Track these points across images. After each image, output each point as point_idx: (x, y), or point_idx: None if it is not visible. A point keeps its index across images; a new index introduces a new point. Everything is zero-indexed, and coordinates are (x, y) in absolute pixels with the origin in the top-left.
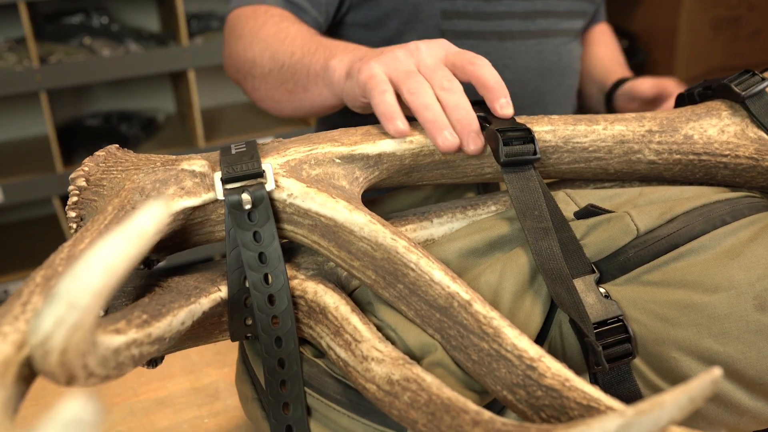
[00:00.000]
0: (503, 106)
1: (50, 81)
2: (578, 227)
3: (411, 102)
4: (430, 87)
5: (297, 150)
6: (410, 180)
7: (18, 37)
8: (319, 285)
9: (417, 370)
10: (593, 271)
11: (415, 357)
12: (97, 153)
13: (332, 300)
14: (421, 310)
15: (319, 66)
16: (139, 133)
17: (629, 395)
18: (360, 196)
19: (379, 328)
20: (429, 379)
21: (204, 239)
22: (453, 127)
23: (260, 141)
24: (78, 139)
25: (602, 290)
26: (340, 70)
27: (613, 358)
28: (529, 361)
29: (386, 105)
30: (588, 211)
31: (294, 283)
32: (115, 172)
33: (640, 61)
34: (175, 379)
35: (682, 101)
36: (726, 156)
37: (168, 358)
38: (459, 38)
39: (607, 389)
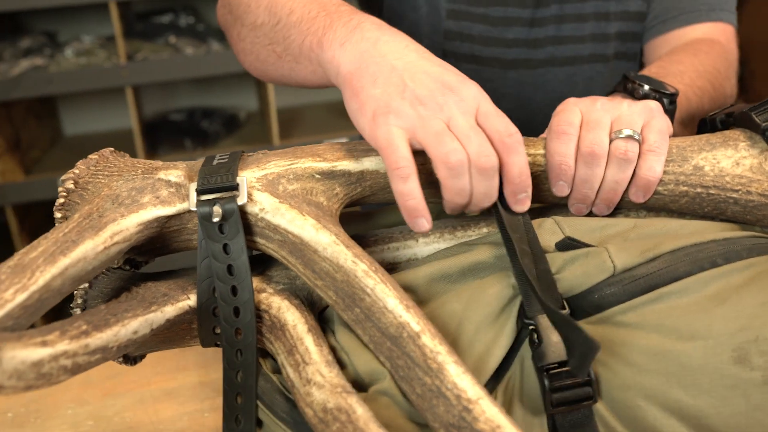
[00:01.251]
0: (520, 201)
1: (136, 77)
2: (555, 260)
3: (444, 180)
4: (467, 160)
5: (277, 164)
6: (391, 199)
7: (109, 34)
8: (284, 301)
9: (351, 401)
10: (563, 308)
11: (364, 383)
12: (91, 156)
13: (292, 318)
14: (374, 336)
15: (315, 40)
16: (219, 129)
17: None
18: (338, 213)
19: (335, 350)
20: (360, 411)
21: (183, 246)
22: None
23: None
24: (162, 133)
25: None
26: (339, 66)
27: (572, 400)
28: (466, 402)
29: (410, 198)
30: (567, 244)
31: (262, 296)
32: (101, 177)
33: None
34: (186, 372)
35: (704, 127)
36: (737, 191)
37: (183, 351)
38: (459, 61)
39: (566, 429)
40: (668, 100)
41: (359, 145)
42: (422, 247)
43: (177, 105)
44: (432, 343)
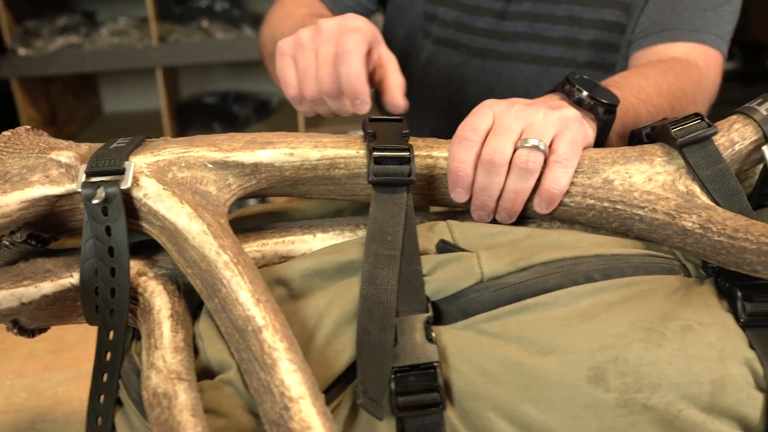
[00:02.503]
0: (356, 106)
1: (167, 59)
2: (428, 262)
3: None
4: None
5: (172, 151)
6: (297, 192)
7: (144, 16)
8: (158, 285)
9: (180, 388)
10: (426, 311)
11: (214, 372)
12: (4, 132)
13: (159, 302)
14: (227, 327)
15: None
16: (250, 114)
17: None
18: (229, 203)
19: (196, 338)
20: (182, 398)
21: (78, 225)
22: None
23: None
24: (194, 115)
25: (432, 332)
26: None
27: (419, 405)
28: (287, 400)
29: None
30: (441, 247)
31: (141, 279)
32: (4, 154)
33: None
34: None
35: (632, 140)
36: (643, 208)
37: None
38: (436, 43)
39: None
40: (604, 109)
41: (259, 137)
42: (318, 243)
43: (212, 88)
44: (272, 339)
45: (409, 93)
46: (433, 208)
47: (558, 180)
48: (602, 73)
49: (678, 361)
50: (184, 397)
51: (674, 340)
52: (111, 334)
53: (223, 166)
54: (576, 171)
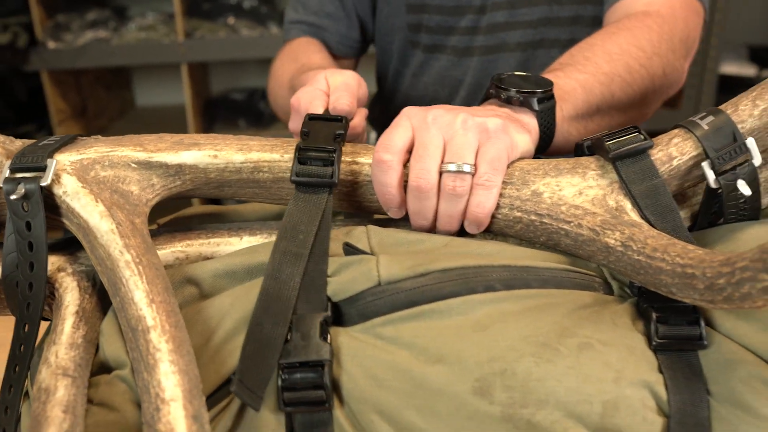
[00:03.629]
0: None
1: (192, 54)
2: (333, 263)
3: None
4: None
5: (98, 150)
6: (224, 194)
7: (172, 12)
8: (73, 281)
9: (61, 384)
10: (326, 310)
11: (111, 368)
12: None
13: (69, 298)
14: (125, 325)
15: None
16: None
17: None
18: (151, 204)
19: (100, 334)
20: (60, 394)
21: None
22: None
23: None
24: (221, 111)
25: (329, 332)
26: None
27: (306, 402)
28: (159, 402)
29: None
30: (346, 250)
31: (60, 275)
32: None
33: None
34: None
35: (578, 151)
36: (569, 223)
37: None
38: (423, 51)
39: (302, 430)
40: (537, 99)
41: (187, 139)
42: (244, 245)
43: (241, 85)
44: (158, 339)
45: (402, 106)
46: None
47: (482, 204)
48: None
49: (569, 379)
50: (62, 393)
51: (568, 357)
52: (26, 327)
53: (147, 166)
54: (505, 182)
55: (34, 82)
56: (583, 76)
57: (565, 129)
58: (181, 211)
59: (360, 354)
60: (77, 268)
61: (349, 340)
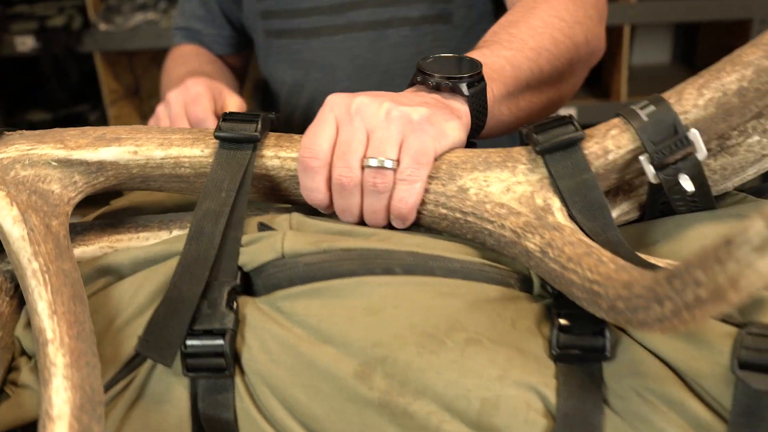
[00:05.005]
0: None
1: None
2: (248, 236)
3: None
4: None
5: (18, 148)
6: (152, 188)
7: None
8: None
9: None
10: (234, 278)
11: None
12: None
13: None
14: (33, 333)
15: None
16: None
17: (224, 408)
18: (73, 201)
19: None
20: None
21: None
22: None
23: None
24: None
25: (236, 301)
26: None
27: (207, 368)
28: (47, 418)
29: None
30: (260, 228)
31: None
32: None
33: None
34: None
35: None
36: (492, 223)
37: None
38: (278, 37)
39: (204, 396)
40: (466, 83)
41: (110, 134)
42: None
43: None
44: (54, 353)
45: (272, 93)
46: None
47: (404, 199)
48: (442, 25)
49: (449, 373)
50: None
51: (452, 351)
52: None
53: (67, 164)
54: (431, 177)
55: (87, 63)
56: (510, 53)
57: (497, 110)
58: (117, 199)
59: (259, 326)
60: (3, 267)
61: (253, 310)
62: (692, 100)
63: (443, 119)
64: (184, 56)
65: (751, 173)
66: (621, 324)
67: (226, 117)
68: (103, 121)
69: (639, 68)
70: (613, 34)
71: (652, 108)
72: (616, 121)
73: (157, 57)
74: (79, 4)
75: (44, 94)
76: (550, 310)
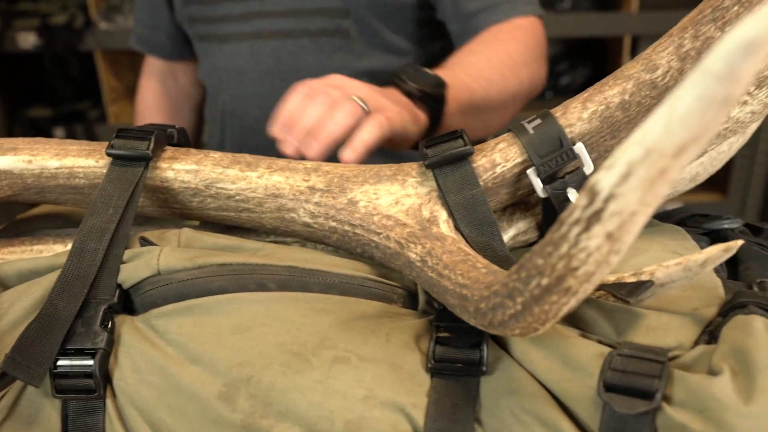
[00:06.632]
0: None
1: None
2: (129, 252)
3: None
4: None
5: None
6: (47, 200)
7: None
8: None
9: None
10: (112, 296)
11: None
12: None
13: None
14: None
15: None
16: None
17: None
18: None
19: None
20: None
21: None
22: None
23: None
24: None
25: (112, 320)
26: None
27: (77, 389)
28: None
29: None
30: (141, 243)
31: None
32: None
33: None
34: None
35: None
36: (378, 234)
37: None
38: (198, 41)
39: (74, 418)
40: (432, 98)
41: (9, 143)
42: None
43: None
44: None
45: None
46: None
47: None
48: (341, 39)
49: (313, 394)
50: None
51: (318, 370)
52: None
53: None
54: (322, 191)
55: (89, 61)
56: (468, 78)
57: (448, 123)
58: (32, 209)
59: (133, 345)
60: None
61: (129, 329)
62: (577, 113)
63: (408, 117)
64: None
65: None
66: (487, 328)
67: (119, 134)
68: (103, 119)
69: None
70: (613, 44)
71: (538, 121)
72: (505, 135)
73: None
74: (81, 3)
75: (46, 91)
76: (432, 325)
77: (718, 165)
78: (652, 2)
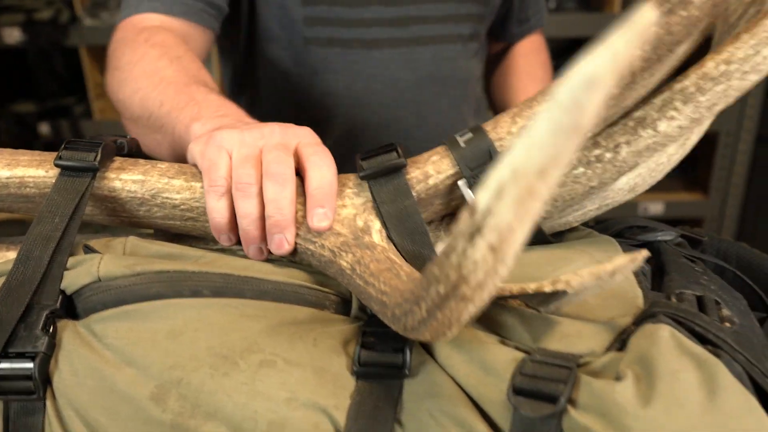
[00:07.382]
0: (317, 217)
1: None
2: (73, 259)
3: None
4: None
5: None
6: (0, 209)
7: None
8: None
9: None
10: (55, 302)
11: None
12: None
13: None
14: None
15: (183, 127)
16: None
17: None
18: None
19: None
20: None
21: None
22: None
23: None
24: None
25: (54, 325)
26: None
27: (15, 391)
28: None
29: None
30: (84, 250)
31: None
32: None
33: None
34: None
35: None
36: (314, 243)
37: None
38: (324, 46)
39: (15, 418)
40: None
41: None
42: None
43: None
44: None
45: (299, 108)
46: None
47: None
48: (477, 44)
49: (239, 395)
50: None
51: (245, 373)
52: None
53: None
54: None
55: (74, 57)
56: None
57: None
58: None
59: (72, 349)
60: None
61: (71, 334)
62: (506, 127)
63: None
64: (170, 51)
65: (593, 208)
66: (404, 333)
67: (67, 145)
68: (89, 114)
69: None
70: None
71: (470, 135)
72: (438, 148)
73: None
74: None
75: (32, 86)
76: (360, 330)
77: (658, 176)
78: (635, 3)
